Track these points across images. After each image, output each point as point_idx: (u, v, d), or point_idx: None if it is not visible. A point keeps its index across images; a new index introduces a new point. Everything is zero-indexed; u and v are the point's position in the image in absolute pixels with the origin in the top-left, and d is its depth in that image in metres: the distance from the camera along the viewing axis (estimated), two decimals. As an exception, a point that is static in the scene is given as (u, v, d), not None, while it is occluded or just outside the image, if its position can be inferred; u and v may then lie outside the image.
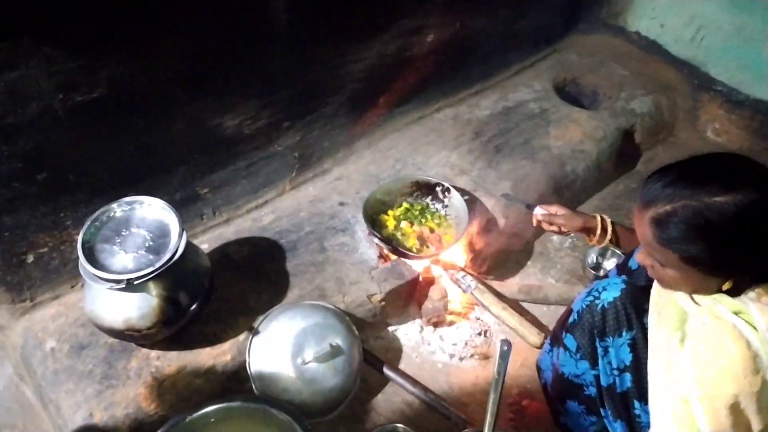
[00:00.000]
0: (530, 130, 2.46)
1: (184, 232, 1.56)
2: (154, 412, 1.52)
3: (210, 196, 1.96)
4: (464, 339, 1.96)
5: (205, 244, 1.94)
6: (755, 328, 1.05)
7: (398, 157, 2.30)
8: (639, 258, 1.16)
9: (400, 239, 1.99)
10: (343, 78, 2.06)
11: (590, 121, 2.52)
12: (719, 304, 1.09)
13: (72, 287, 1.76)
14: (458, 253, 2.07)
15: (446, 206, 2.09)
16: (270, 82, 1.86)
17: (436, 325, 1.98)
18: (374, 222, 2.02)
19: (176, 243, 1.53)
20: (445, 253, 2.00)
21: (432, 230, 2.03)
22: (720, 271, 1.05)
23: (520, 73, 2.80)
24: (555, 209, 1.64)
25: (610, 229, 1.57)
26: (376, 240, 1.91)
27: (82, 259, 1.46)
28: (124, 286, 1.44)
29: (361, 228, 2.01)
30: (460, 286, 2.01)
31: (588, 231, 1.59)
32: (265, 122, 1.94)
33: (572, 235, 1.69)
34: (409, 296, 1.97)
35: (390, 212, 2.06)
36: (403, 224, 2.03)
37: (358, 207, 2.02)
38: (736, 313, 1.07)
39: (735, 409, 1.05)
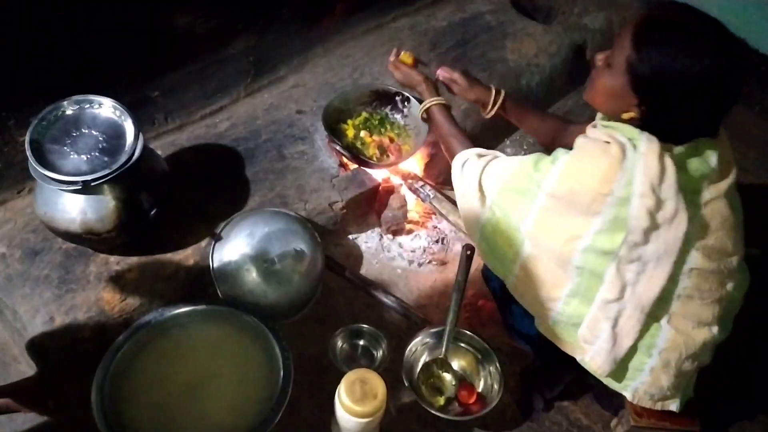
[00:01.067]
0: (487, 42, 2.45)
1: (140, 133, 1.50)
2: (117, 316, 1.51)
3: (161, 100, 1.89)
4: (422, 246, 2.01)
5: (159, 150, 1.85)
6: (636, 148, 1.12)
7: (355, 66, 2.26)
8: (598, 56, 1.21)
9: (360, 148, 1.98)
10: None
11: (545, 36, 2.53)
12: (616, 129, 1.16)
13: (18, 192, 1.68)
14: (417, 163, 2.09)
15: (406, 116, 2.07)
16: None
17: (395, 233, 2.02)
18: (333, 131, 1.98)
19: (132, 144, 1.47)
20: (405, 163, 2.01)
21: (392, 140, 2.02)
22: (643, 96, 1.10)
23: None
24: (456, 76, 1.61)
25: (499, 102, 1.57)
26: (337, 147, 1.89)
27: (32, 160, 1.39)
28: (80, 187, 1.39)
29: (321, 137, 1.99)
30: (418, 195, 2.04)
31: (482, 103, 1.59)
32: (219, 22, 1.86)
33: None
34: (369, 205, 1.99)
35: (349, 121, 2.03)
36: (363, 134, 2.01)
37: (317, 116, 1.99)
38: (629, 139, 1.13)
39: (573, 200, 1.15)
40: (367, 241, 2.01)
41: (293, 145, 1.97)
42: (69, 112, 1.48)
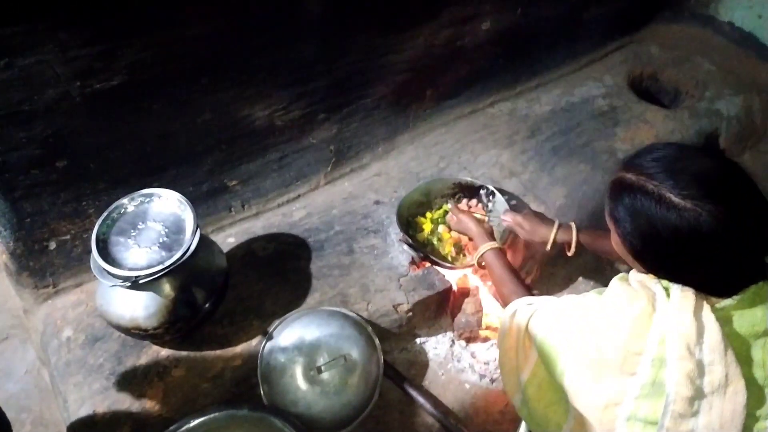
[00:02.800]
0: (594, 130, 2.27)
1: (198, 228, 1.50)
2: (157, 414, 1.48)
3: (239, 189, 1.91)
4: (497, 358, 1.80)
5: (232, 237, 1.90)
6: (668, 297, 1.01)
7: (443, 155, 2.17)
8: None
9: (436, 245, 1.88)
10: (386, 68, 1.96)
11: (666, 122, 2.31)
12: (650, 276, 1.06)
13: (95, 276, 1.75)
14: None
15: (490, 211, 1.94)
16: (304, 72, 1.78)
17: (468, 340, 1.86)
18: (409, 224, 1.92)
19: (189, 239, 1.47)
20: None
21: (471, 238, 1.88)
22: (644, 263, 1.03)
23: (589, 66, 2.60)
24: (519, 220, 1.63)
25: (574, 236, 1.54)
26: (406, 246, 1.80)
27: (93, 253, 1.44)
28: (130, 284, 1.40)
29: (395, 230, 1.91)
30: (498, 301, 1.85)
31: (562, 244, 1.57)
32: (299, 114, 1.86)
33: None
34: (441, 308, 1.86)
35: (428, 214, 1.94)
36: (441, 228, 1.90)
37: (394, 207, 1.93)
38: (665, 288, 1.03)
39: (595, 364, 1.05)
40: (437, 346, 1.85)
41: (365, 238, 1.90)
42: (135, 206, 1.53)
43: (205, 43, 1.53)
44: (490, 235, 1.66)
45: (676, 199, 0.93)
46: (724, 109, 2.40)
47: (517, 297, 1.39)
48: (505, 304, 1.43)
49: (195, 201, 1.75)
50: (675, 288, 1.00)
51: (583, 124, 2.29)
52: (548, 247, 1.58)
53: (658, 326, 1.00)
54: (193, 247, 1.47)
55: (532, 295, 1.40)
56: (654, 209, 0.95)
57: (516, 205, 1.94)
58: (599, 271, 2.08)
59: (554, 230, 1.56)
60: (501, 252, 1.57)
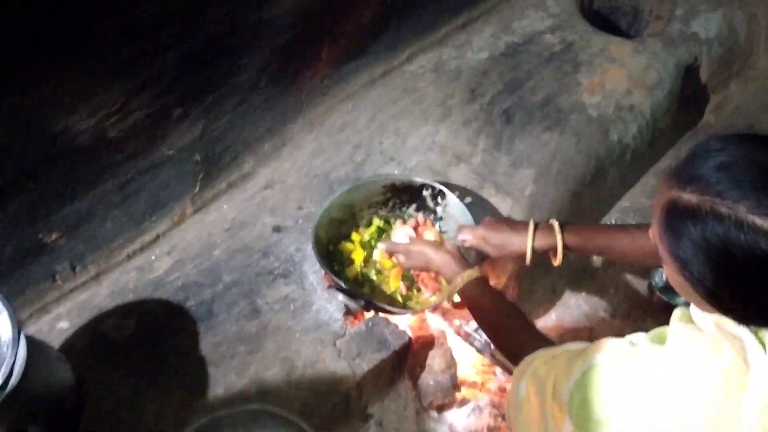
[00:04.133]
0: (551, 79, 2.30)
1: (21, 336, 1.29)
2: None
3: (63, 243, 1.72)
4: (486, 425, 1.81)
5: (64, 320, 1.71)
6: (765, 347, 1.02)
7: (357, 141, 2.12)
8: (650, 233, 1.15)
9: (375, 280, 1.80)
10: (262, 26, 1.85)
11: (636, 58, 2.37)
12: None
13: None
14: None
15: (440, 218, 1.90)
16: (142, 47, 1.61)
17: (440, 408, 1.82)
18: (331, 255, 1.82)
19: (8, 358, 1.25)
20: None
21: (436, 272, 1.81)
22: (719, 307, 1.02)
23: None
24: (483, 232, 1.64)
25: (559, 241, 1.54)
26: (340, 294, 1.69)
27: None
28: None
29: (313, 266, 1.81)
30: (472, 344, 1.88)
31: (545, 252, 1.59)
32: (142, 114, 1.69)
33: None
34: (397, 370, 1.79)
35: (354, 236, 1.87)
36: (377, 254, 1.83)
37: (304, 231, 1.87)
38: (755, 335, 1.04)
39: None
40: (398, 424, 1.77)
41: (272, 287, 1.80)
42: None
43: None
44: (461, 259, 1.60)
45: (760, 221, 0.92)
46: (701, 30, 2.49)
47: (529, 347, 1.35)
48: (509, 356, 1.42)
49: None
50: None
51: (534, 72, 2.31)
52: (527, 260, 1.58)
53: (758, 390, 0.99)
54: (18, 369, 1.27)
55: (549, 341, 1.38)
56: (734, 238, 0.94)
57: (472, 203, 1.91)
58: (588, 275, 2.12)
59: (530, 236, 1.56)
60: (484, 281, 1.53)
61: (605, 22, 2.61)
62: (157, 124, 1.74)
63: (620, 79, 2.28)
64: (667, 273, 1.09)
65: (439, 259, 1.59)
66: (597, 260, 2.15)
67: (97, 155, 1.67)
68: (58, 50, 1.46)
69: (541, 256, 1.59)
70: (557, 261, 1.56)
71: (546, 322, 2.02)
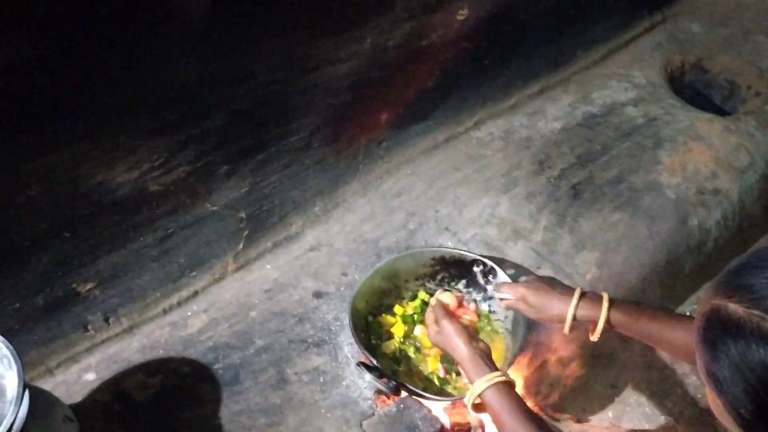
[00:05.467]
0: (628, 156, 2.23)
1: (26, 391, 1.26)
2: None
3: (98, 294, 1.72)
4: None
5: (91, 372, 1.70)
6: None
7: (412, 209, 2.07)
8: None
9: (414, 359, 1.72)
10: (317, 89, 1.84)
11: (727, 137, 2.28)
12: None
13: None
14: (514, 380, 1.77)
15: (490, 298, 1.81)
16: (188, 105, 1.62)
17: None
18: (370, 328, 1.76)
19: (10, 413, 1.24)
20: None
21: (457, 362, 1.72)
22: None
23: (610, 58, 2.61)
24: (524, 291, 1.57)
25: (603, 314, 1.44)
26: (367, 374, 1.61)
27: None
28: None
29: (349, 338, 1.74)
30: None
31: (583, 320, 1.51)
32: (187, 170, 1.70)
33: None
34: None
35: (397, 308, 1.80)
36: (419, 330, 1.76)
37: (345, 299, 1.81)
38: None
39: None
40: None
41: (303, 356, 1.74)
42: None
43: (15, 78, 1.32)
44: (487, 359, 1.50)
45: None
46: (805, 109, 2.37)
47: None
48: None
49: (25, 325, 1.63)
50: None
51: (610, 146, 2.24)
52: (566, 328, 1.51)
53: None
54: (18, 426, 1.24)
55: None
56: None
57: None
58: (655, 372, 1.96)
59: (574, 302, 1.48)
60: (509, 388, 1.43)
61: (697, 97, 2.52)
62: (201, 180, 1.75)
63: (705, 160, 2.18)
64: (710, 403, 0.99)
65: (465, 352, 1.49)
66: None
67: (136, 209, 1.68)
68: (101, 107, 1.48)
69: (584, 332, 1.50)
70: (595, 336, 1.47)
71: (601, 419, 1.89)
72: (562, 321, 1.49)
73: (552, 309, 1.51)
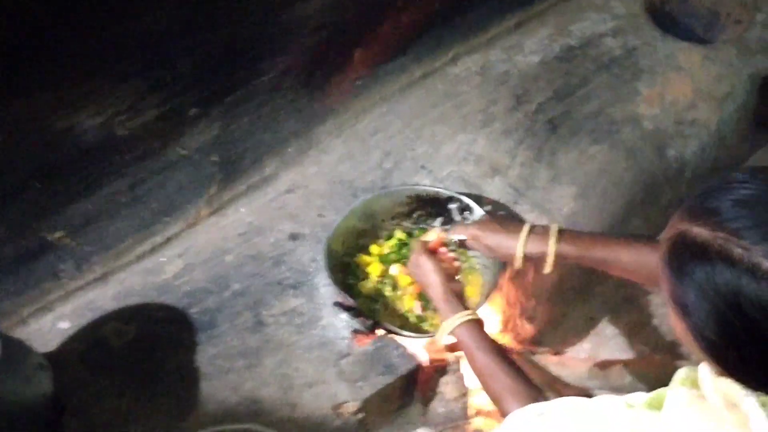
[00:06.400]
0: (606, 87, 2.20)
1: None
2: None
3: (69, 242, 1.71)
4: None
5: (65, 321, 1.70)
6: None
7: (388, 148, 2.05)
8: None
9: (389, 297, 1.72)
10: (289, 25, 1.81)
11: (707, 66, 2.25)
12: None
13: None
14: (488, 314, 1.83)
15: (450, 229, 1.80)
16: (157, 45, 1.59)
17: None
18: (347, 268, 1.76)
19: None
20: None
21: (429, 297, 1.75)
22: (721, 366, 0.94)
23: None
24: (476, 231, 1.58)
25: (551, 247, 1.45)
26: (343, 313, 1.63)
27: None
28: None
29: (325, 279, 1.74)
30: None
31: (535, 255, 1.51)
32: (156, 113, 1.67)
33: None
34: (407, 393, 1.71)
35: (373, 249, 1.80)
36: (395, 269, 1.75)
37: (321, 240, 1.79)
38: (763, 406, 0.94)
39: None
40: (407, 455, 1.68)
41: (280, 299, 1.75)
42: None
43: None
44: (460, 299, 1.52)
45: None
46: (787, 37, 2.34)
47: (517, 402, 1.28)
48: (500, 409, 1.34)
49: None
50: None
51: (589, 79, 2.21)
52: (516, 264, 1.51)
53: None
54: None
55: (540, 394, 1.30)
56: (745, 286, 0.84)
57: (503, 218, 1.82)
58: (632, 304, 1.98)
59: (522, 239, 1.48)
60: (478, 326, 1.45)
61: (677, 26, 2.47)
62: (171, 124, 1.73)
63: (684, 90, 2.15)
64: (674, 327, 0.98)
65: (439, 291, 1.51)
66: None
67: (105, 155, 1.66)
68: (62, 54, 1.45)
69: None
70: (546, 269, 1.47)
71: (578, 351, 1.91)
72: (512, 257, 1.50)
73: (503, 247, 1.52)
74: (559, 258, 1.45)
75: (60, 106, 1.51)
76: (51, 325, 1.68)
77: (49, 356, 1.54)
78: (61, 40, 1.42)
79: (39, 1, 1.34)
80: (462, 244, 1.60)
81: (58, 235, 1.67)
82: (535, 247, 1.46)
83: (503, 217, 1.60)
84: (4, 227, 1.58)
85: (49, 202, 1.63)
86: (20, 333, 1.62)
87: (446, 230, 1.67)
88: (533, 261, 1.49)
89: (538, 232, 1.47)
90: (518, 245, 1.47)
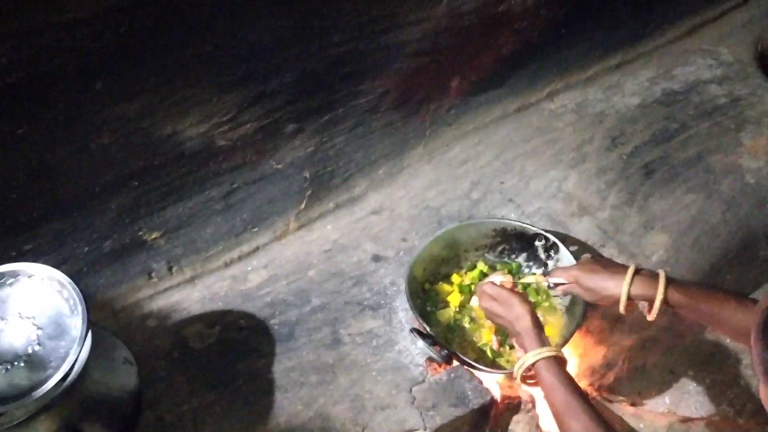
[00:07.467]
0: (707, 136, 2.17)
1: (89, 331, 1.30)
2: None
3: (163, 243, 1.77)
4: None
5: (153, 318, 1.75)
6: None
7: (477, 178, 2.06)
8: None
9: (467, 329, 1.72)
10: (388, 51, 1.82)
11: None
12: None
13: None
14: (568, 356, 1.72)
15: (548, 273, 1.76)
16: (260, 62, 1.62)
17: None
18: (427, 295, 1.76)
19: (73, 351, 1.27)
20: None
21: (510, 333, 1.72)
22: None
23: (696, 33, 2.53)
24: (577, 273, 1.55)
25: (660, 293, 1.39)
26: (420, 341, 1.62)
27: None
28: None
29: (404, 304, 1.75)
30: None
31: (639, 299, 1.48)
32: (254, 126, 1.71)
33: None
34: (476, 428, 1.68)
35: (455, 277, 1.80)
36: (475, 301, 1.73)
37: (403, 264, 1.82)
38: None
39: None
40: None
41: (358, 318, 1.76)
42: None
43: (92, 29, 1.33)
44: (541, 334, 1.49)
45: None
46: None
47: None
48: None
49: (93, 268, 1.66)
50: None
51: (689, 125, 2.18)
52: (621, 307, 1.46)
53: None
54: (80, 364, 1.29)
55: None
56: None
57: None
58: (717, 361, 1.91)
59: (627, 281, 1.44)
60: (561, 363, 1.42)
61: None
62: (268, 137, 1.76)
63: None
64: (762, 396, 0.98)
65: (527, 321, 1.47)
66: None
67: (203, 162, 1.71)
68: (174, 60, 1.49)
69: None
70: (652, 315, 1.42)
71: (657, 405, 1.85)
72: (618, 301, 1.45)
73: (606, 290, 1.48)
74: (666, 305, 1.39)
75: (165, 111, 1.54)
76: (139, 322, 1.73)
77: (134, 351, 1.57)
78: (169, 46, 1.45)
79: (152, 7, 1.38)
80: (556, 285, 1.58)
81: (154, 235, 1.73)
82: (641, 291, 1.42)
83: (604, 259, 1.56)
84: (103, 223, 1.63)
85: (147, 202, 1.67)
86: (109, 326, 1.67)
87: (546, 274, 1.66)
88: (634, 306, 1.45)
89: (645, 275, 1.43)
90: (623, 286, 1.43)
